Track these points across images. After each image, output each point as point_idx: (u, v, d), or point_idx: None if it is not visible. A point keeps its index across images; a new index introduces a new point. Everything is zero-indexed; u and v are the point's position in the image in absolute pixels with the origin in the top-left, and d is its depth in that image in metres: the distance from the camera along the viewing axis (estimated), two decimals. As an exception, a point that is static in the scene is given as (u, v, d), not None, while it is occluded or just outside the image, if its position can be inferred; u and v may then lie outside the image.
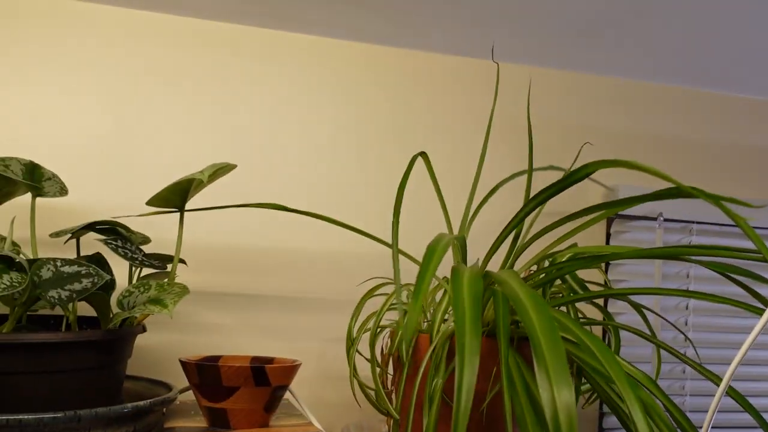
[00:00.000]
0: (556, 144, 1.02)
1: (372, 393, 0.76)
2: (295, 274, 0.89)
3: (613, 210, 0.53)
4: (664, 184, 1.07)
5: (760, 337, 1.07)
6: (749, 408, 0.54)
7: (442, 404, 0.61)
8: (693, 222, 1.04)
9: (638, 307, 0.74)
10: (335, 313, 0.90)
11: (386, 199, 0.93)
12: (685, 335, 0.89)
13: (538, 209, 0.69)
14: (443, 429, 0.63)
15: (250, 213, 0.89)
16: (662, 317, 0.68)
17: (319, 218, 0.66)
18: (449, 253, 0.78)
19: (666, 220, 1.03)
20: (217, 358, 0.69)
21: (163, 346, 0.84)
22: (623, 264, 1.01)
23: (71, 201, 0.82)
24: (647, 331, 0.79)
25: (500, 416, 0.65)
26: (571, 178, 0.53)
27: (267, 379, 0.61)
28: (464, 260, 0.64)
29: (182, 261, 0.73)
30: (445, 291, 0.69)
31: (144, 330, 0.64)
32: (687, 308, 1.04)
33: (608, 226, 1.03)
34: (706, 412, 1.05)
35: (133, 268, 0.68)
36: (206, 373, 0.60)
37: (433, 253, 0.44)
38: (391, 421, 0.79)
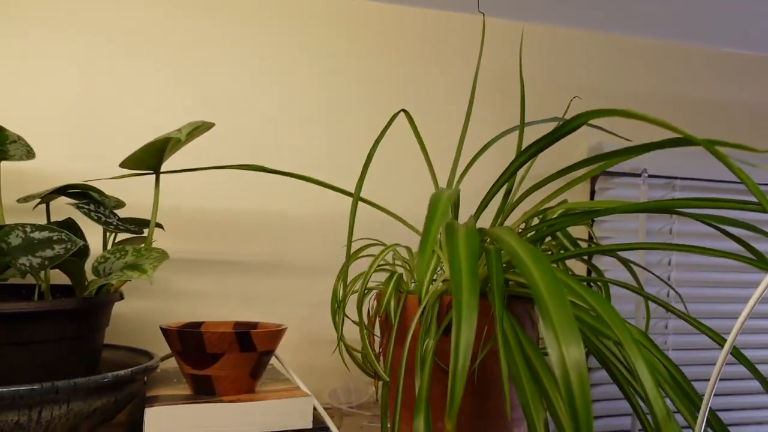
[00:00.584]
0: (545, 103, 1.00)
1: (359, 356, 0.75)
2: (276, 239, 0.87)
3: (612, 161, 0.51)
4: (649, 141, 1.06)
5: (743, 290, 1.08)
6: (749, 366, 0.53)
7: (433, 365, 0.59)
8: (677, 178, 1.03)
9: (626, 263, 0.73)
10: (319, 277, 0.88)
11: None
12: (672, 287, 0.89)
13: (528, 164, 0.67)
14: (435, 390, 0.62)
15: (228, 176, 0.86)
16: (650, 272, 0.68)
17: (299, 178, 0.64)
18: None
19: (650, 176, 1.02)
20: (198, 324, 0.67)
21: (141, 314, 0.81)
22: (607, 221, 1.01)
23: (39, 166, 0.78)
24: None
25: (492, 376, 0.64)
26: (565, 129, 0.51)
27: (252, 344, 0.59)
28: (456, 218, 0.62)
29: (159, 225, 0.70)
30: (434, 251, 0.68)
31: (121, 297, 0.62)
32: (669, 264, 1.04)
33: (592, 184, 1.02)
34: (689, 365, 1.06)
35: (108, 234, 0.65)
36: (189, 340, 0.58)
37: (437, 203, 0.42)
38: (379, 384, 0.78)
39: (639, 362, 0.38)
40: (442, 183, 0.67)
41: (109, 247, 0.65)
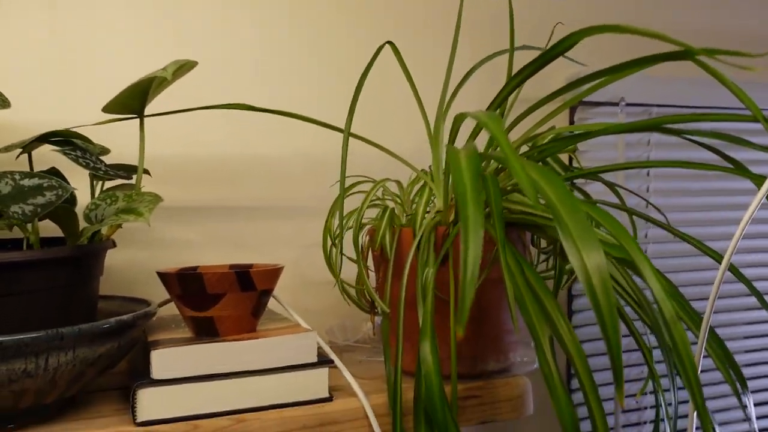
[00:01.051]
0: (534, 35, 0.99)
1: (353, 293, 0.76)
2: (262, 182, 0.86)
3: (598, 85, 0.51)
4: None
5: (729, 198, 1.11)
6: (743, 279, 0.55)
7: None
8: (654, 105, 1.04)
9: (612, 186, 0.75)
10: (309, 219, 0.88)
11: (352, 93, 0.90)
12: (651, 203, 0.91)
13: (516, 91, 0.67)
14: (434, 319, 0.63)
15: (213, 120, 0.84)
16: (631, 191, 0.69)
17: (288, 116, 0.63)
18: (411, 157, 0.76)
19: (628, 104, 1.03)
20: (193, 269, 0.66)
21: (130, 264, 0.81)
22: (588, 151, 1.02)
23: (14, 117, 0.75)
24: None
25: (487, 303, 0.65)
26: (557, 49, 0.51)
27: (252, 283, 0.59)
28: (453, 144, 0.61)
29: (146, 172, 0.69)
30: (425, 183, 0.68)
31: (114, 245, 0.61)
32: (648, 190, 1.07)
33: (571, 115, 1.03)
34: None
35: (94, 182, 0.64)
36: (189, 283, 0.58)
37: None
38: (375, 319, 0.79)
39: (646, 267, 0.39)
40: (431, 114, 0.67)
41: (96, 195, 0.64)
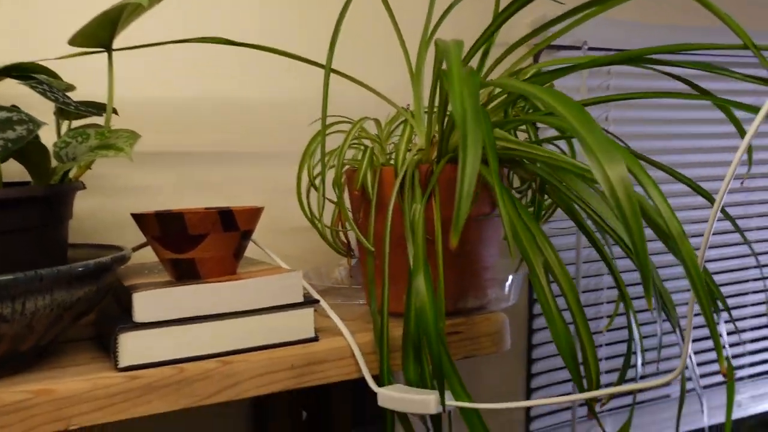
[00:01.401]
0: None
1: (329, 236, 0.75)
2: (231, 126, 0.83)
3: (570, 25, 0.51)
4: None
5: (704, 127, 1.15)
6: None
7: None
8: (616, 49, 1.06)
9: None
10: (281, 164, 0.85)
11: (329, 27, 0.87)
12: (607, 131, 0.93)
13: (496, 33, 0.66)
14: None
15: (181, 59, 0.80)
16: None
17: (265, 50, 0.61)
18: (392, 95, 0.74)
19: (590, 48, 1.04)
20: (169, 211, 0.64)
21: (94, 212, 0.77)
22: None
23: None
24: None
25: (467, 241, 0.65)
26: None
27: (235, 223, 0.57)
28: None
29: (114, 111, 0.65)
30: (406, 121, 0.67)
31: (84, 186, 0.58)
32: (607, 119, 1.09)
33: (535, 59, 1.03)
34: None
35: (60, 121, 0.60)
36: (169, 223, 0.55)
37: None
38: (351, 262, 0.79)
39: (649, 185, 0.39)
40: (412, 50, 0.66)
41: (62, 134, 0.60)
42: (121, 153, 0.48)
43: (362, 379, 0.61)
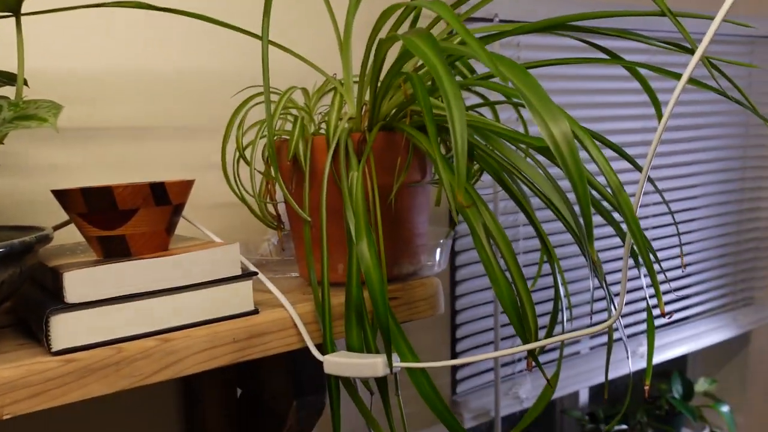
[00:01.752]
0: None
1: (256, 207, 0.73)
2: (149, 100, 0.80)
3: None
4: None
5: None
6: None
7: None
8: (525, 22, 1.09)
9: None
10: (201, 139, 0.83)
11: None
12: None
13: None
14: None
15: (93, 28, 0.75)
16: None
17: (193, 16, 0.58)
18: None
19: (501, 21, 1.07)
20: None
21: (2, 192, 0.72)
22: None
23: None
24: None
25: (403, 207, 0.66)
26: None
27: (167, 197, 0.55)
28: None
29: (24, 82, 0.61)
30: (335, 90, 0.66)
31: (-3, 163, 0.54)
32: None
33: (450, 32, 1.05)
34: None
35: (-37, 92, 0.55)
36: (97, 199, 0.53)
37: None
38: (281, 234, 0.78)
39: (588, 142, 0.41)
40: (340, 18, 0.65)
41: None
42: (45, 124, 0.45)
43: (300, 350, 0.61)
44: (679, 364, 1.80)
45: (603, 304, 1.37)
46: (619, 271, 1.40)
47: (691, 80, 0.54)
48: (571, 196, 0.50)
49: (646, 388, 0.54)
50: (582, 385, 1.34)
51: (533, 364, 0.56)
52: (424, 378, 0.54)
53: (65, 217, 0.74)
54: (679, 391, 1.60)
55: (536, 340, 0.53)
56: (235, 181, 0.72)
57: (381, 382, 0.57)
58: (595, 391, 1.67)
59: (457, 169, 0.34)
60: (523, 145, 0.59)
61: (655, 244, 1.47)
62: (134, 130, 0.79)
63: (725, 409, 1.60)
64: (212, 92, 0.84)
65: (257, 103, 0.70)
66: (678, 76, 0.54)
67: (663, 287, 1.52)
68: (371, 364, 0.54)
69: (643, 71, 0.63)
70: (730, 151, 1.64)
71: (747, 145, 1.67)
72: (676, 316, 1.61)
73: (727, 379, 1.81)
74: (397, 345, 0.54)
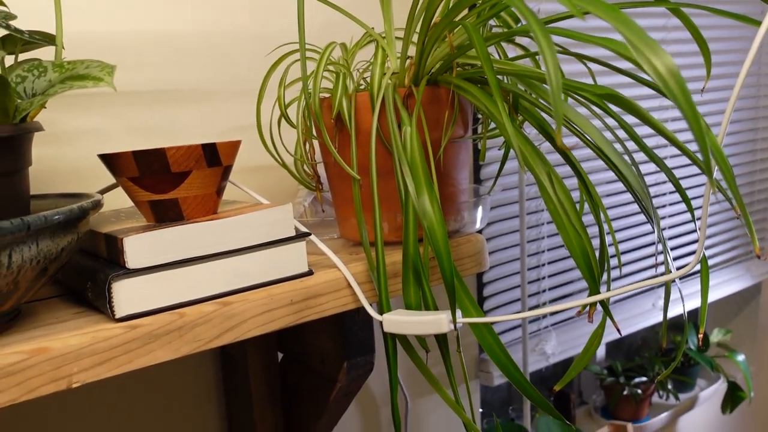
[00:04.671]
0: None
1: (293, 168, 0.72)
2: (177, 63, 0.77)
3: None
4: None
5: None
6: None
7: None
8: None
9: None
10: (232, 101, 0.81)
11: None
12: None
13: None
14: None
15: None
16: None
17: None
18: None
19: None
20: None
21: (39, 162, 0.70)
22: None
23: None
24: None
25: (449, 163, 0.65)
26: None
27: (218, 158, 0.54)
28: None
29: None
30: (377, 45, 0.64)
31: (42, 128, 0.52)
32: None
33: None
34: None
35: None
36: (149, 161, 0.51)
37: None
38: (321, 195, 0.76)
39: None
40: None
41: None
42: (101, 83, 0.44)
43: (348, 312, 0.60)
44: (692, 316, 1.81)
45: (635, 255, 1.36)
46: (629, 227, 1.40)
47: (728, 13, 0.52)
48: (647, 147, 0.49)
49: (700, 336, 0.54)
50: (602, 339, 1.35)
51: (593, 315, 0.55)
52: (488, 332, 0.53)
53: (93, 184, 0.72)
54: (694, 343, 1.61)
55: (598, 289, 0.52)
56: (272, 143, 0.71)
57: (441, 338, 0.56)
58: (611, 346, 1.68)
59: (556, 111, 0.33)
60: (578, 96, 0.57)
61: (667, 199, 1.46)
62: (161, 93, 0.77)
63: (741, 358, 1.62)
64: (241, 53, 0.82)
65: (294, 62, 0.68)
66: (738, 17, 0.52)
67: (679, 240, 1.52)
68: (435, 321, 0.53)
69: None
70: (743, 102, 1.63)
71: (760, 95, 1.66)
72: (694, 269, 1.61)
73: (738, 330, 1.83)
74: (460, 300, 0.54)
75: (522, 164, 0.49)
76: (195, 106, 0.79)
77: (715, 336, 1.68)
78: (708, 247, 1.63)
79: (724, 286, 1.62)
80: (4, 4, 0.52)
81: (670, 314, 1.50)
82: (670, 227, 1.49)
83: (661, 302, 1.47)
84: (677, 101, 0.33)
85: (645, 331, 1.70)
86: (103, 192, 0.61)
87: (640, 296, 1.45)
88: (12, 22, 0.52)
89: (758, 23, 0.45)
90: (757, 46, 0.41)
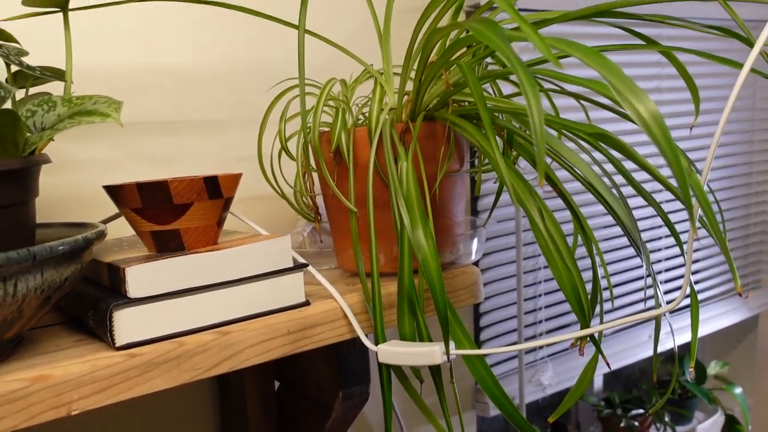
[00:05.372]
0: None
1: (293, 199, 0.73)
2: (177, 93, 0.79)
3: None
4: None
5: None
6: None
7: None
8: (539, 9, 1.09)
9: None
10: (233, 132, 0.82)
11: None
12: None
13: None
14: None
15: (123, 23, 0.75)
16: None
17: (234, 8, 0.58)
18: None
19: (520, 9, 1.07)
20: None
21: (42, 189, 0.72)
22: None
23: None
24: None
25: (445, 197, 0.66)
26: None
27: (220, 190, 0.56)
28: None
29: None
30: (376, 81, 0.66)
31: (49, 160, 0.54)
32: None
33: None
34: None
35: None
36: (152, 193, 0.53)
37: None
38: (320, 227, 0.78)
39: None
40: (380, 9, 0.65)
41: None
42: (108, 119, 0.45)
43: (345, 341, 0.61)
44: (688, 349, 1.81)
45: (627, 288, 1.37)
46: (619, 261, 1.41)
47: (753, 70, 0.54)
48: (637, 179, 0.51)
49: (691, 371, 0.55)
50: (597, 371, 1.35)
51: (584, 348, 0.56)
52: (480, 364, 0.54)
53: (95, 213, 0.74)
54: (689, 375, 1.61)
55: (589, 322, 0.53)
56: (272, 174, 0.72)
57: (435, 369, 0.57)
58: (609, 377, 1.68)
59: (538, 154, 0.35)
60: (569, 133, 0.59)
61: (664, 231, 1.48)
62: (164, 124, 0.79)
63: (738, 391, 1.62)
64: (239, 87, 0.84)
65: (294, 97, 0.70)
66: (722, 60, 0.54)
67: (672, 274, 1.53)
68: (428, 352, 0.54)
69: (682, 58, 0.63)
70: (738, 136, 1.65)
71: (754, 129, 1.69)
72: (683, 303, 1.62)
73: (736, 362, 1.83)
74: (453, 332, 0.55)
75: (514, 200, 0.51)
76: (199, 136, 0.81)
77: (713, 368, 1.68)
78: (704, 280, 1.63)
79: (721, 318, 1.63)
80: (16, 41, 0.54)
81: (667, 347, 1.50)
82: (667, 259, 1.51)
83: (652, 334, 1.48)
84: (659, 145, 0.34)
85: (643, 362, 1.70)
86: (106, 221, 0.62)
87: (636, 328, 1.46)
88: (24, 59, 0.54)
89: (740, 65, 0.47)
90: (738, 88, 0.43)
